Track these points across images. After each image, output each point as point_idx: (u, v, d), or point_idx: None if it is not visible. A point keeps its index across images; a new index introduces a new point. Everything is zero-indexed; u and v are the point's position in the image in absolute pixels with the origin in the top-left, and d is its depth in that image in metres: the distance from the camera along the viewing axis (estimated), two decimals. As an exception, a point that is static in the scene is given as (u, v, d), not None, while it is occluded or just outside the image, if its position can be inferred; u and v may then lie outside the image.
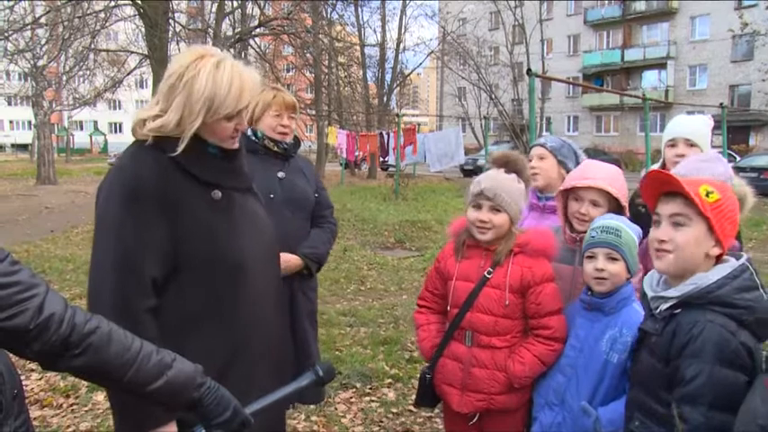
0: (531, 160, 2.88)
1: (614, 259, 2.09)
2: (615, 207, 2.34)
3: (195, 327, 1.75)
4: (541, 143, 2.91)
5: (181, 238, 1.71)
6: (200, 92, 1.69)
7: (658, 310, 1.67)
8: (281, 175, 2.81)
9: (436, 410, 3.94)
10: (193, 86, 1.69)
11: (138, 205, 1.67)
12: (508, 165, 2.35)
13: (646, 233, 1.83)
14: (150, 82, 14.85)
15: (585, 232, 2.32)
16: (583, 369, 2.13)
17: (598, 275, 2.10)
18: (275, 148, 2.81)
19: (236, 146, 1.86)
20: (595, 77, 42.05)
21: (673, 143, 2.85)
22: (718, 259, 1.65)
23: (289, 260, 2.65)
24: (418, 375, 4.50)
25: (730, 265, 1.62)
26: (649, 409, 1.65)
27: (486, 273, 2.28)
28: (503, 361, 2.27)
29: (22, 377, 1.11)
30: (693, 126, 2.84)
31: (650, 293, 1.71)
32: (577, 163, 2.88)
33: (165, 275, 1.70)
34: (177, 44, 12.58)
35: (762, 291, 1.56)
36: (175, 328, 1.72)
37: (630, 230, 2.13)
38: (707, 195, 1.61)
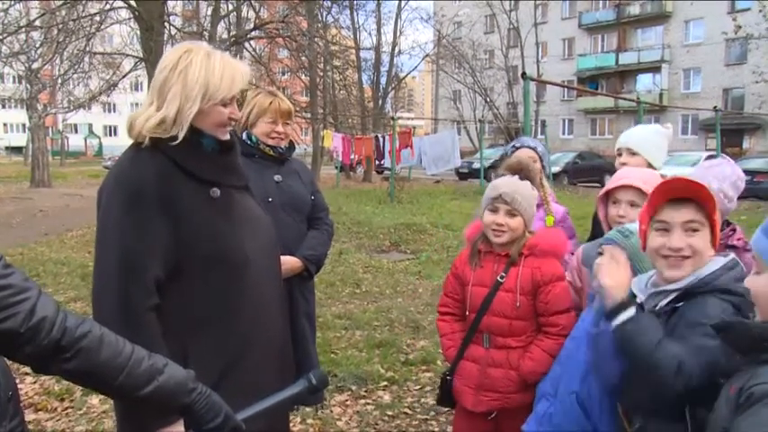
0: None
1: None
2: None
3: (200, 326, 1.77)
4: (533, 146, 3.08)
5: (183, 238, 1.73)
6: (194, 79, 1.74)
7: (658, 307, 1.70)
8: (277, 178, 2.81)
9: (432, 413, 3.94)
10: (188, 75, 1.74)
11: (140, 207, 1.69)
12: (522, 172, 2.46)
13: None
14: (145, 85, 14.83)
15: None
16: (575, 352, 2.12)
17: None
18: (270, 152, 2.81)
19: (228, 137, 1.89)
20: (590, 81, 42.19)
21: (619, 152, 2.97)
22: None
23: (289, 262, 2.67)
24: (414, 378, 4.56)
25: (723, 259, 1.70)
26: (650, 409, 1.66)
27: (498, 277, 2.37)
28: (517, 360, 2.35)
29: (17, 381, 1.12)
30: (637, 136, 2.96)
31: (644, 294, 1.74)
32: (543, 168, 3.10)
33: (168, 275, 1.72)
34: (172, 47, 12.55)
35: None
36: (181, 328, 1.74)
37: None
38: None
